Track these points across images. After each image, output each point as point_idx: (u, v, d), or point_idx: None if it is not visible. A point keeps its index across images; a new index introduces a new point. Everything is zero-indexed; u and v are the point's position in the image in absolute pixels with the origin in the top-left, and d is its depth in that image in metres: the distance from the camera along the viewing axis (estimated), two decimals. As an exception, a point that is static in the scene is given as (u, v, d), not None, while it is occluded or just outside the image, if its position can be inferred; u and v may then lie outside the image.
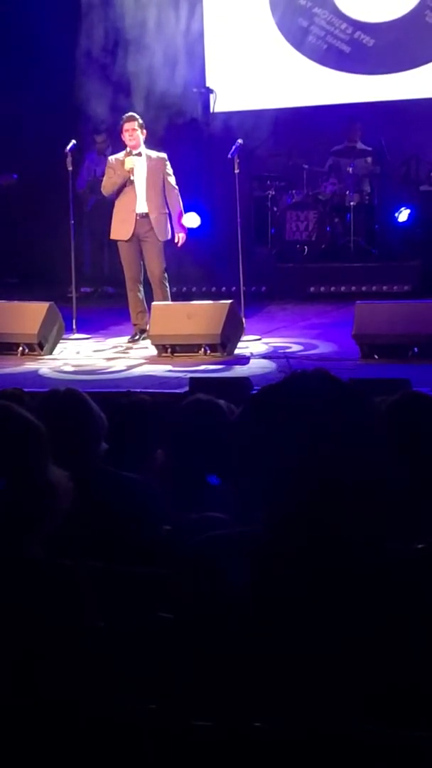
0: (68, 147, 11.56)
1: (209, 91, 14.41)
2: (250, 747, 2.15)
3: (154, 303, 10.73)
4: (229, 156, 11.29)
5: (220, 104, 14.38)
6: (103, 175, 13.91)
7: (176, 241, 10.90)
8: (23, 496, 2.38)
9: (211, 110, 14.46)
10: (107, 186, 11.01)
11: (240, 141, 11.48)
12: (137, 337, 11.00)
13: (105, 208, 13.78)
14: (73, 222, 11.68)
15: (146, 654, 2.44)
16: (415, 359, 9.60)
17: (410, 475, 4.15)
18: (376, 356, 9.77)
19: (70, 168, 11.57)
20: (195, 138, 14.05)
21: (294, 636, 2.23)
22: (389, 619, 2.24)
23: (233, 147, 11.31)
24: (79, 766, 2.21)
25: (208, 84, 14.42)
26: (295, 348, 10.58)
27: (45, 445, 2.47)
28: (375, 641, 2.23)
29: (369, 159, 13.76)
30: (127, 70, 13.83)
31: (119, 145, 13.60)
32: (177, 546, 3.23)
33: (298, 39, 14.14)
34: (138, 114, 11.22)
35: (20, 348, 10.65)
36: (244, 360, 10.11)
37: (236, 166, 11.23)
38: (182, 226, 10.95)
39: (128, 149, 10.80)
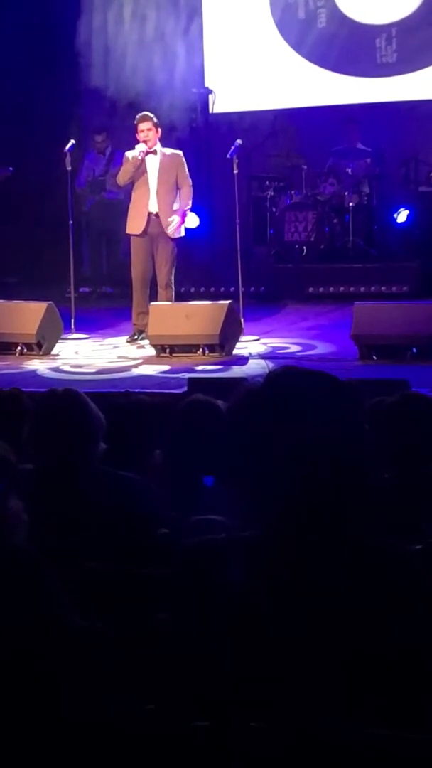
0: (67, 147, 11.55)
1: (208, 91, 14.40)
2: (247, 748, 2.15)
3: (152, 303, 10.73)
4: (228, 156, 11.28)
5: (219, 105, 14.36)
6: (102, 175, 13.94)
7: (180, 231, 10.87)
8: None
9: (210, 111, 14.43)
10: (120, 176, 11.02)
11: (239, 141, 11.47)
12: (136, 337, 10.99)
13: (104, 208, 13.81)
14: (72, 222, 11.67)
15: (144, 655, 2.44)
16: (413, 360, 9.60)
17: (409, 475, 4.16)
18: (374, 357, 9.78)
19: (69, 168, 11.57)
20: (194, 138, 14.03)
21: (291, 637, 2.23)
22: (389, 620, 2.24)
23: (232, 147, 11.31)
24: (77, 766, 2.21)
25: (207, 84, 14.40)
26: (294, 348, 10.58)
27: (11, 479, 2.46)
28: (375, 642, 2.22)
29: (368, 160, 13.75)
30: (127, 69, 13.83)
31: (118, 145, 13.62)
32: (175, 547, 3.23)
33: (297, 40, 14.12)
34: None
35: (19, 348, 10.65)
36: (242, 360, 10.11)
37: (235, 167, 11.23)
38: (183, 219, 10.91)
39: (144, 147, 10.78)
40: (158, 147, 10.84)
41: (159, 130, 10.86)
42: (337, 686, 2.21)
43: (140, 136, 10.78)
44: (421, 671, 2.25)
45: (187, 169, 10.88)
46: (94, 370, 9.93)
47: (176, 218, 10.83)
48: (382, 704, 2.21)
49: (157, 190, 10.78)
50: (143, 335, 10.84)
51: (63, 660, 2.27)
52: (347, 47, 13.84)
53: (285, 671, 2.22)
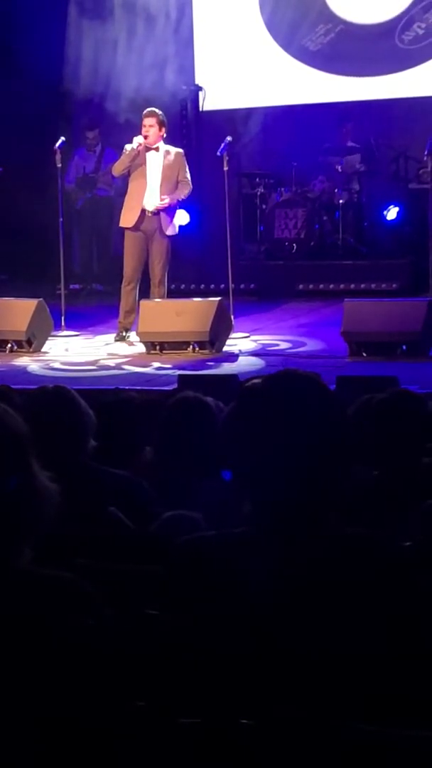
0: (57, 144, 11.54)
1: (198, 88, 14.41)
2: (237, 744, 2.16)
3: (142, 300, 10.72)
4: (218, 154, 11.28)
5: (209, 102, 14.37)
6: (93, 173, 13.92)
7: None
8: (8, 505, 2.34)
9: (201, 108, 14.44)
10: (115, 166, 11.03)
11: (229, 139, 11.47)
12: (123, 335, 10.95)
13: (95, 204, 13.79)
14: (62, 219, 11.66)
15: (133, 651, 2.44)
16: (402, 357, 9.61)
17: (398, 472, 4.17)
18: (364, 354, 9.78)
19: (59, 165, 11.56)
20: (184, 135, 14.04)
21: (283, 633, 2.24)
22: (380, 616, 2.25)
23: (222, 145, 11.30)
24: (67, 763, 2.22)
25: (197, 82, 14.41)
26: (284, 345, 10.59)
27: (30, 447, 2.42)
28: (366, 637, 2.23)
29: (358, 157, 13.77)
30: (117, 66, 13.82)
31: (108, 142, 13.61)
32: (166, 544, 3.24)
33: (286, 39, 14.14)
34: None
35: (9, 345, 10.65)
36: (232, 357, 10.12)
37: (225, 164, 11.23)
38: (172, 208, 10.88)
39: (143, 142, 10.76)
40: (161, 145, 10.83)
41: (163, 129, 10.82)
42: (332, 681, 2.22)
43: (142, 130, 10.78)
44: (415, 666, 2.26)
45: (187, 170, 10.89)
46: (94, 367, 9.94)
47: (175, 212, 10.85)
48: (377, 700, 2.22)
49: (159, 189, 10.76)
50: (128, 334, 10.85)
51: (55, 656, 2.28)
52: (366, 49, 13.82)
53: (279, 667, 2.23)
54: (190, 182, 10.89)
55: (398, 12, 13.76)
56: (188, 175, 10.87)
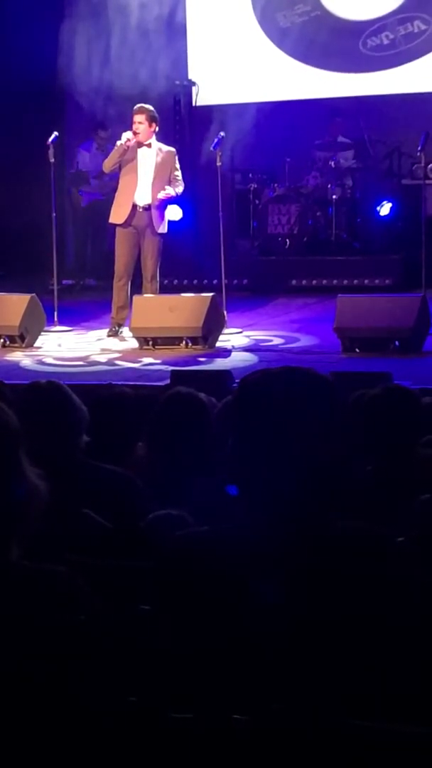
0: (50, 139, 11.51)
1: (192, 84, 14.40)
2: (229, 740, 2.15)
3: (135, 296, 10.72)
4: (211, 149, 11.27)
5: (202, 97, 14.35)
6: (96, 172, 13.87)
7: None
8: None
9: (194, 103, 14.44)
10: (106, 162, 11.01)
11: (222, 134, 11.47)
12: (116, 330, 10.94)
13: (99, 206, 13.71)
14: (55, 214, 11.64)
15: (126, 647, 2.44)
16: (396, 353, 9.61)
17: (392, 466, 4.17)
18: (357, 350, 9.79)
19: (52, 160, 11.53)
20: (177, 131, 14.03)
21: (279, 629, 2.24)
22: (375, 613, 2.24)
23: (215, 140, 11.30)
24: (60, 758, 2.21)
25: (190, 77, 14.40)
26: (277, 341, 10.59)
27: (21, 444, 2.42)
28: (361, 635, 2.23)
29: (351, 153, 13.77)
30: (110, 62, 13.79)
31: (112, 141, 13.59)
32: (159, 540, 3.23)
33: (279, 36, 14.14)
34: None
35: (1, 340, 10.64)
36: (225, 353, 10.12)
37: (218, 159, 11.22)
38: (164, 205, 10.87)
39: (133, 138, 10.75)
40: (153, 141, 10.81)
41: (154, 125, 10.79)
42: (327, 678, 2.22)
43: (132, 126, 10.77)
44: (414, 662, 2.26)
45: (179, 168, 10.88)
46: (86, 362, 9.92)
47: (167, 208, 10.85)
48: (377, 696, 2.22)
49: (152, 186, 10.74)
50: (121, 330, 10.84)
51: (48, 653, 2.27)
52: (330, 43, 13.84)
53: (275, 662, 2.23)
54: (182, 181, 10.88)
55: (377, 15, 13.77)
56: (180, 175, 10.87)
